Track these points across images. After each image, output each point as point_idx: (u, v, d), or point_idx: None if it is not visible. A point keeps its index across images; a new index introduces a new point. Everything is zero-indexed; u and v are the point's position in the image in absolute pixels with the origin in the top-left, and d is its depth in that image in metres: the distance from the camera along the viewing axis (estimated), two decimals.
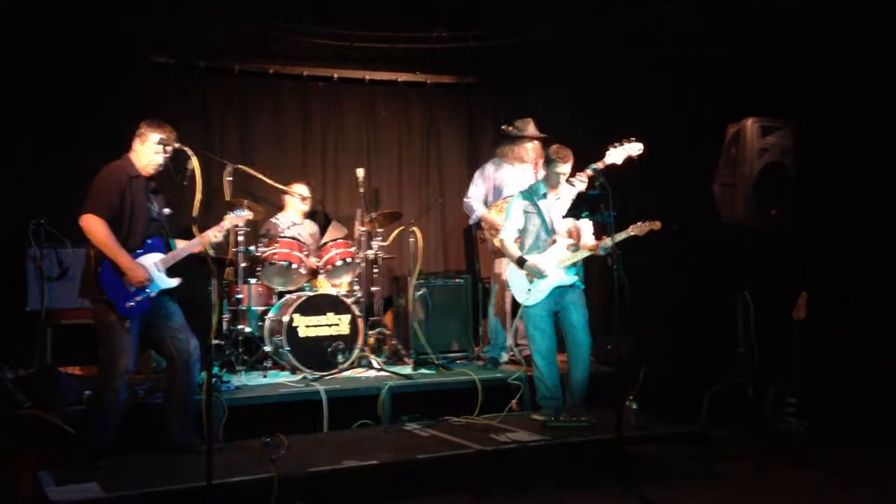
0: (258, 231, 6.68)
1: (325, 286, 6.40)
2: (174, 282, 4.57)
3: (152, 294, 4.45)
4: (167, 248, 4.56)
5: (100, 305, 4.36)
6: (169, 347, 4.55)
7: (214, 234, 4.78)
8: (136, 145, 4.51)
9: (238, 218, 5.09)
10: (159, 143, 4.44)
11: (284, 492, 4.00)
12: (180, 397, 4.55)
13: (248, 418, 4.98)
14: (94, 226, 4.29)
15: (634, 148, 5.67)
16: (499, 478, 4.58)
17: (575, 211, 5.27)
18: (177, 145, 4.43)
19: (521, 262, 5.41)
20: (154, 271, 4.45)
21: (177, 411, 4.55)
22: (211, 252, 4.25)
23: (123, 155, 4.52)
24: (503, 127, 6.57)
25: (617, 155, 5.67)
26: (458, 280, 6.92)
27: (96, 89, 6.40)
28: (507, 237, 5.55)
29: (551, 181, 5.47)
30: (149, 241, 4.49)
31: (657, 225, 5.23)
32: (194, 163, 4.30)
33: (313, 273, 6.40)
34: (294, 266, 6.12)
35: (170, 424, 4.54)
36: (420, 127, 7.99)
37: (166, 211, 4.63)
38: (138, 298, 4.39)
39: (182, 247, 4.61)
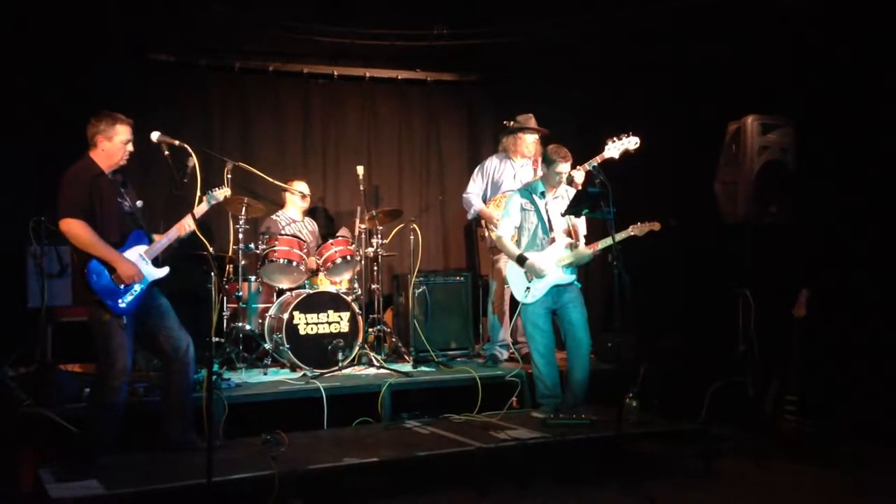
0: (258, 229, 6.69)
1: (325, 284, 6.40)
2: (163, 272, 4.49)
3: (143, 287, 4.39)
4: (149, 241, 4.48)
5: (93, 307, 4.27)
6: (164, 346, 4.49)
7: (193, 216, 4.58)
8: (101, 142, 4.37)
9: (216, 194, 5.02)
10: (129, 140, 4.38)
11: (285, 489, 4.00)
12: (177, 396, 4.51)
13: (249, 416, 4.97)
14: (75, 228, 4.18)
15: (632, 142, 5.71)
16: (499, 475, 4.59)
17: (575, 208, 5.27)
18: (177, 142, 4.41)
19: (521, 261, 5.40)
20: (141, 264, 4.38)
21: (174, 410, 4.51)
22: (192, 232, 4.15)
23: (84, 154, 4.39)
24: (504, 121, 6.58)
25: (614, 149, 5.70)
26: (458, 278, 6.92)
27: (97, 87, 6.38)
28: (504, 234, 5.54)
29: (550, 180, 5.46)
30: (129, 237, 4.39)
31: (656, 226, 5.25)
32: (195, 160, 4.28)
33: (313, 271, 6.40)
34: (294, 263, 6.12)
35: (168, 423, 4.50)
36: (420, 124, 7.99)
37: (139, 203, 4.52)
38: (130, 295, 4.32)
39: (162, 237, 4.50)
